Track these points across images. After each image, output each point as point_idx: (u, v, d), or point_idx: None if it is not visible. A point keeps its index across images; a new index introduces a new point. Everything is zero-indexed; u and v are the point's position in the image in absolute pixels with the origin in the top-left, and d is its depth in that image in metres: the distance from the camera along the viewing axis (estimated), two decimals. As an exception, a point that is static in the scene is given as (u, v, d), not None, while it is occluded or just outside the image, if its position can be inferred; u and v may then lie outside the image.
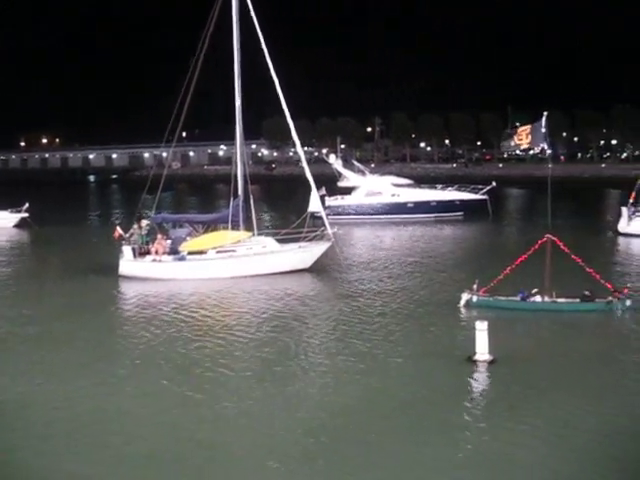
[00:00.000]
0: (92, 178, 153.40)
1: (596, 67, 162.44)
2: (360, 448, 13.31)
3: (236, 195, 31.26)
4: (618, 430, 13.83)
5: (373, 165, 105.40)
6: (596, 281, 23.17)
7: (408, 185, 56.62)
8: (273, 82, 31.00)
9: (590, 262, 24.23)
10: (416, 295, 25.97)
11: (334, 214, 47.82)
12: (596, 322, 22.00)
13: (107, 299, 26.51)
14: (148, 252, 30.32)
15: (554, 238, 23.16)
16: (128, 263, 29.95)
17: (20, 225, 50.90)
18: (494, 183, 53.81)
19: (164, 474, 12.60)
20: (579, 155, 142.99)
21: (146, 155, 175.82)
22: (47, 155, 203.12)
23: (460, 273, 29.55)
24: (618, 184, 72.09)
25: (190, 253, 30.13)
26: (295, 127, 32.01)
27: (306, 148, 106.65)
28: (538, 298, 22.91)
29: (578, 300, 22.82)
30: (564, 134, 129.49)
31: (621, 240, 39.81)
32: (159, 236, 30.79)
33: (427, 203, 53.30)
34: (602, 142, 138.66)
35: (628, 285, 24.53)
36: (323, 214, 32.05)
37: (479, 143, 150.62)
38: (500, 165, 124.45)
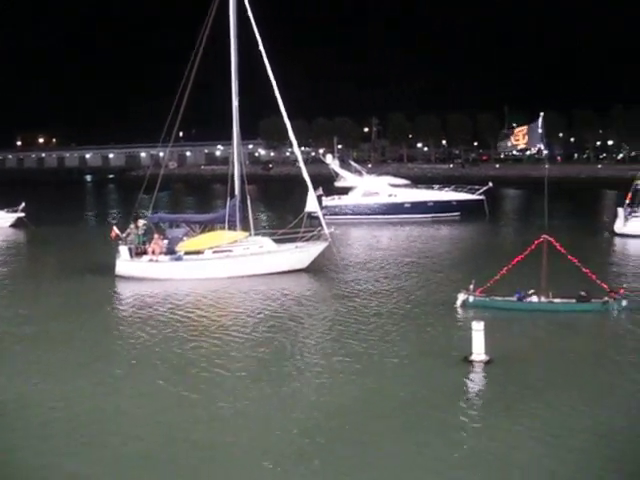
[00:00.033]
0: (89, 178, 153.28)
1: (596, 67, 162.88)
2: (356, 448, 13.31)
3: (233, 195, 31.26)
4: (614, 430, 13.85)
5: (370, 165, 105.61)
6: (592, 281, 23.20)
7: (405, 185, 56.68)
8: (270, 82, 31.02)
9: (586, 262, 24.25)
10: (413, 295, 25.98)
11: (331, 214, 47.89)
12: (592, 322, 22.04)
13: (104, 299, 26.49)
14: (145, 252, 30.30)
15: (550, 238, 23.20)
16: (125, 263, 29.92)
17: (16, 225, 50.84)
18: (491, 183, 53.94)
19: (160, 474, 12.59)
20: (575, 156, 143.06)
21: (143, 155, 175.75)
22: (44, 155, 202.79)
23: (457, 273, 29.56)
24: (614, 185, 72.23)
25: (187, 253, 30.10)
26: (292, 127, 32.01)
27: (303, 148, 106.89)
28: (534, 298, 22.94)
29: (574, 300, 22.85)
30: (560, 134, 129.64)
31: (617, 241, 39.86)
32: (156, 236, 30.74)
33: (424, 203, 53.35)
34: (598, 143, 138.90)
35: (624, 285, 24.62)
36: (320, 214, 32.07)
37: (476, 143, 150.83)
38: (497, 165, 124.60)
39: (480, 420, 14.62)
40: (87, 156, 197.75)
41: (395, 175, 66.55)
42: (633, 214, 41.57)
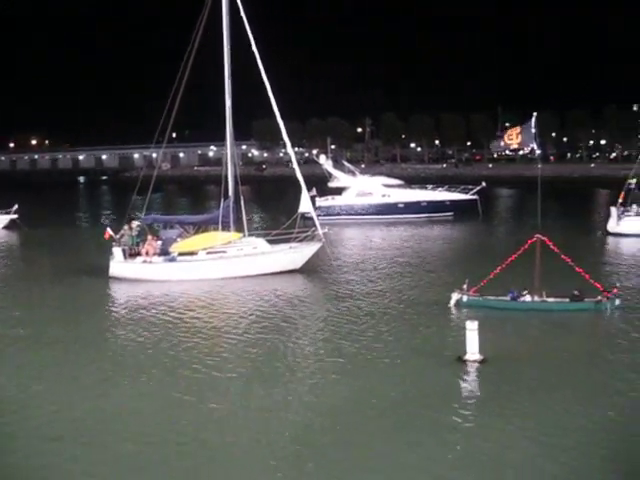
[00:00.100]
0: (82, 179, 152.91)
1: (596, 67, 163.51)
2: (348, 449, 13.30)
3: (226, 196, 31.20)
4: (608, 430, 13.88)
5: (363, 166, 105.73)
6: (585, 281, 23.24)
7: (398, 185, 56.74)
8: (264, 83, 31.00)
9: (579, 262, 24.32)
10: (406, 295, 25.99)
11: (325, 215, 47.83)
12: (585, 322, 22.09)
13: (98, 300, 26.43)
14: (138, 253, 30.25)
15: (544, 238, 23.24)
16: (118, 264, 29.86)
17: (9, 227, 50.62)
18: (484, 183, 54.06)
19: (158, 474, 12.57)
20: (568, 155, 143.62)
21: (136, 156, 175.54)
22: (36, 156, 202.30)
23: (450, 273, 29.59)
24: (607, 184, 72.48)
25: (180, 254, 30.07)
26: (285, 128, 31.99)
27: (296, 149, 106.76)
28: (528, 298, 22.99)
29: (568, 300, 22.89)
30: (553, 134, 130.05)
31: (610, 240, 39.96)
32: (149, 237, 30.70)
33: (417, 203, 53.43)
34: (591, 142, 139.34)
35: (617, 285, 24.63)
36: (314, 215, 32.05)
37: (469, 143, 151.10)
38: (490, 165, 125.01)
39: (473, 420, 14.62)
40: (80, 157, 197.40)
41: (388, 175, 66.68)
42: (626, 213, 41.70)
